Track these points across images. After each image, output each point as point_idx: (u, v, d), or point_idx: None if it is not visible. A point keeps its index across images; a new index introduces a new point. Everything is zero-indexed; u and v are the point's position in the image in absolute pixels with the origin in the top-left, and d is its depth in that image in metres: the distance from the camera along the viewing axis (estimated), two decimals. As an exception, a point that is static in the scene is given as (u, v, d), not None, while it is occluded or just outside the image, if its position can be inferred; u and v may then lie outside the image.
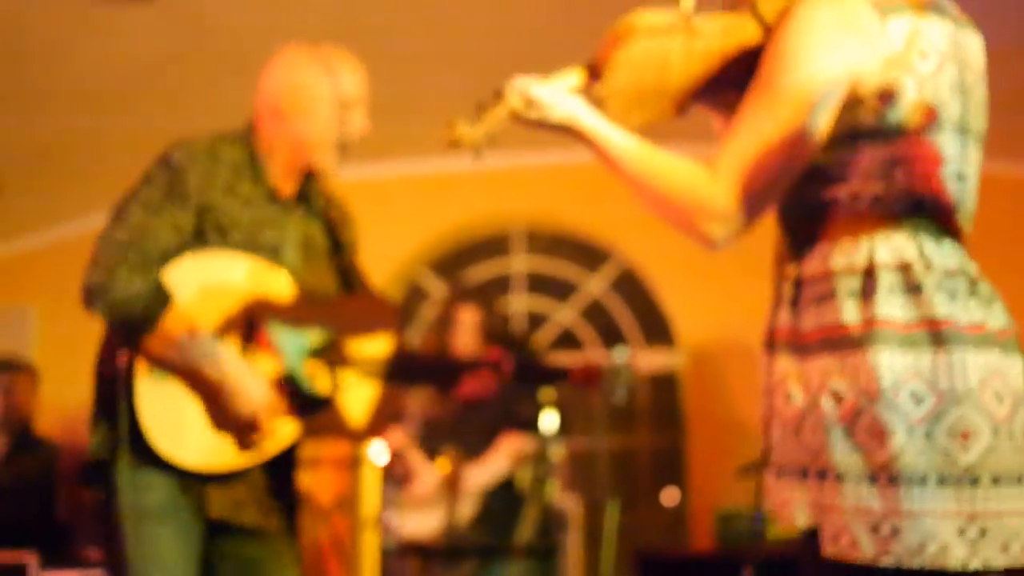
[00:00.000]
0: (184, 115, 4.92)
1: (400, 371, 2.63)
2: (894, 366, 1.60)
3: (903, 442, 1.58)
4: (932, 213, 1.72)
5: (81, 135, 5.22)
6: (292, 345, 2.47)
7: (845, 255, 1.70)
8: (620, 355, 3.52)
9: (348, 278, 2.68)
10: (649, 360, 5.55)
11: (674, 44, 1.79)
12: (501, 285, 5.84)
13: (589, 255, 5.90)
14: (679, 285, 5.56)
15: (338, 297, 2.63)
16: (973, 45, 1.81)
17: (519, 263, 5.97)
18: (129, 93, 4.84)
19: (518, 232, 5.97)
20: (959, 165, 1.75)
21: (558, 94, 1.81)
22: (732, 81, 1.80)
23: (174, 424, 2.35)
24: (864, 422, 1.61)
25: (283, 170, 2.52)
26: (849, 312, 1.66)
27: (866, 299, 1.66)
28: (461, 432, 3.97)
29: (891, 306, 1.64)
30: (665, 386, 5.61)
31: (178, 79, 4.76)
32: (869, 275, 1.67)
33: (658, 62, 1.79)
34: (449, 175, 5.73)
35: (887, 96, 1.69)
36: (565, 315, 5.86)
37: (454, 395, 2.80)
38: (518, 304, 5.90)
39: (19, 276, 6.15)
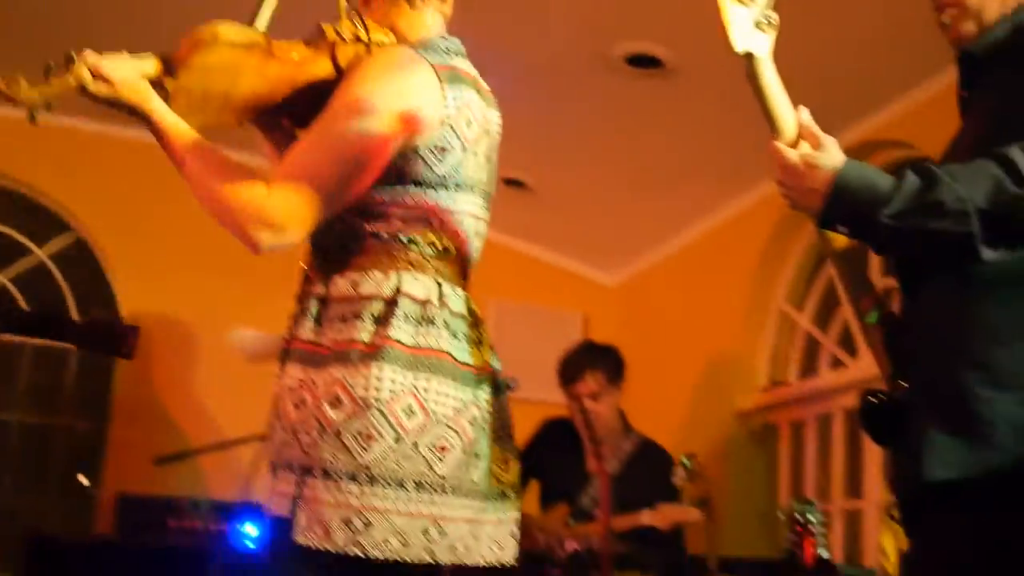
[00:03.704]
0: None
1: None
2: (395, 381, 1.82)
3: (387, 447, 1.80)
4: (455, 261, 1.97)
5: None
6: None
7: (375, 283, 1.89)
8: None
9: None
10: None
11: (250, 61, 1.91)
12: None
13: (41, 220, 5.52)
14: (131, 263, 5.36)
15: None
16: (495, 121, 2.09)
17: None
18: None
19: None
20: (480, 225, 2.03)
21: (132, 76, 1.85)
22: (292, 108, 1.96)
23: None
24: (356, 426, 1.80)
25: None
26: (366, 332, 1.85)
27: (383, 323, 1.86)
28: None
29: (403, 332, 1.86)
30: (97, 369, 5.35)
31: None
32: (391, 304, 1.87)
33: (230, 74, 1.90)
34: None
35: (438, 151, 1.92)
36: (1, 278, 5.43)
37: None
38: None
39: None
